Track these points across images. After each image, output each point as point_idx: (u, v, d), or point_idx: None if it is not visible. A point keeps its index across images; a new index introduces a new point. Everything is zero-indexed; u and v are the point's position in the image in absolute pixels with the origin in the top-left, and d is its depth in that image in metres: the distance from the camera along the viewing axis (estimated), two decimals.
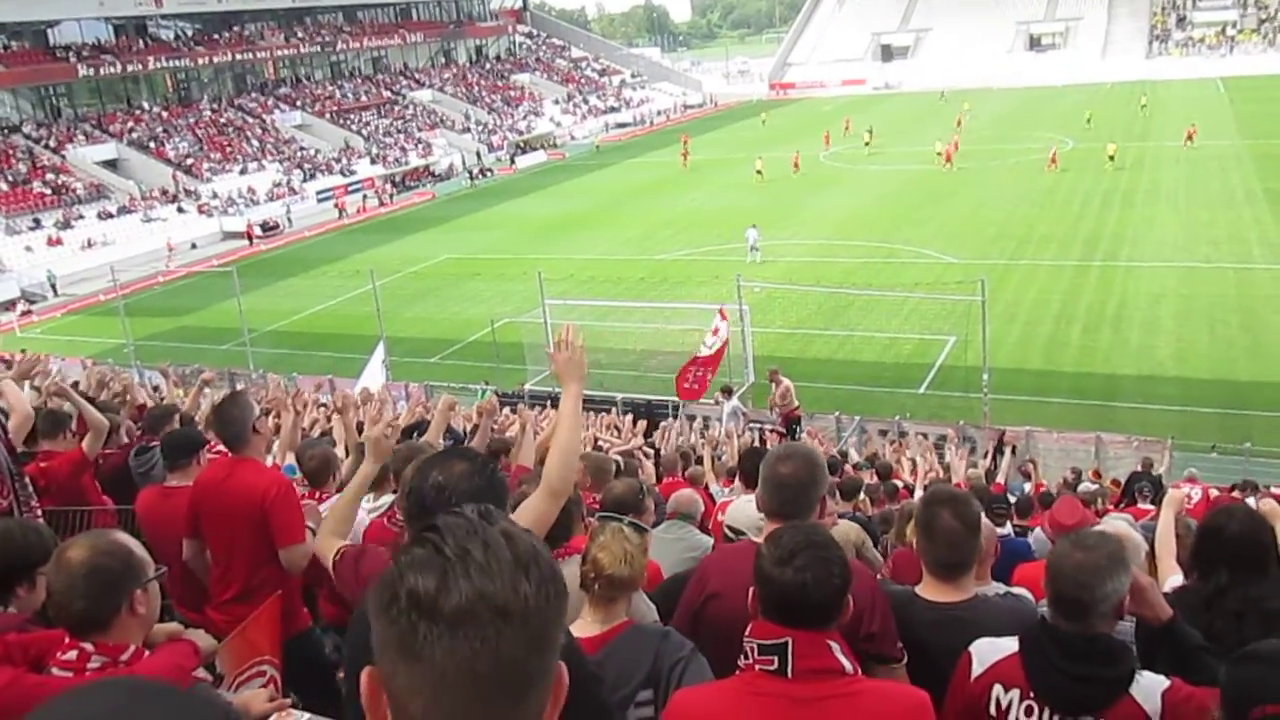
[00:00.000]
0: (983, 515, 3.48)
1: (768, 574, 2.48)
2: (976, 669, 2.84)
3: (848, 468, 12.84)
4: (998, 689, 2.78)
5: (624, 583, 3.04)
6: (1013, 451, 17.95)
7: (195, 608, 4.77)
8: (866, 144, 55.43)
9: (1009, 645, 2.82)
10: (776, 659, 2.39)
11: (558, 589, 1.21)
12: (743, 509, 4.07)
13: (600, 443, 12.20)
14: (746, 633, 2.49)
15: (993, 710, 2.78)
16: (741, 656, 2.47)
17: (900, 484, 12.05)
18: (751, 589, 2.55)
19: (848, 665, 2.42)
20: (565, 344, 3.31)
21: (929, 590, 3.28)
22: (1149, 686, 2.65)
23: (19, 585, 3.15)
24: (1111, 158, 44.88)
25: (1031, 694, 2.73)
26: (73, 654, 2.66)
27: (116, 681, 1.07)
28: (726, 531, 4.21)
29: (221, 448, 5.98)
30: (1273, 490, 13.19)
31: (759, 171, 49.54)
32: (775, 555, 2.49)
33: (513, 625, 1.15)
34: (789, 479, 3.20)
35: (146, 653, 2.76)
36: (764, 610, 2.49)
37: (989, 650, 2.85)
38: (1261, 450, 17.74)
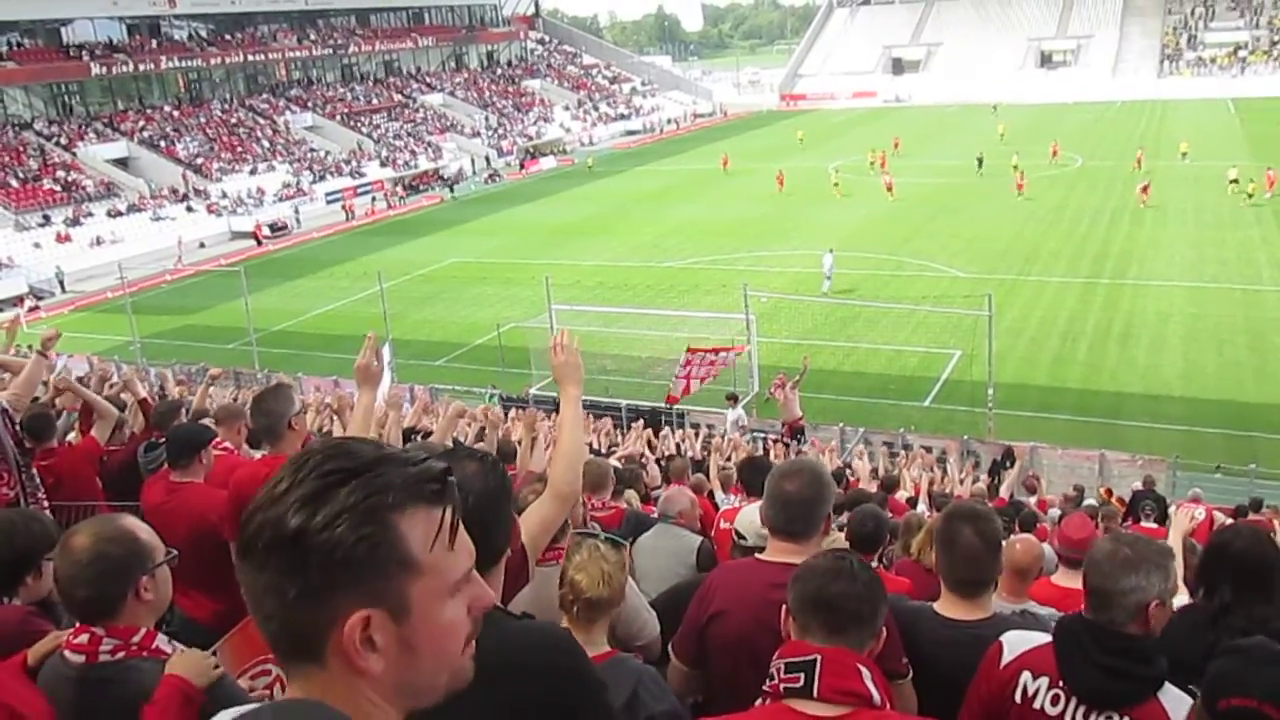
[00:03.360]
0: (1030, 536, 3.43)
1: (808, 568, 2.51)
2: (1007, 656, 2.82)
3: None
4: (1025, 676, 2.76)
5: (604, 604, 2.99)
6: (1014, 465, 17.94)
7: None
8: (871, 163, 53.54)
9: (1041, 637, 2.81)
10: (803, 676, 2.31)
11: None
12: (751, 515, 4.05)
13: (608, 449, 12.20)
14: (776, 654, 2.42)
15: (1018, 697, 2.76)
16: (767, 679, 2.40)
17: (904, 496, 12.05)
18: (785, 607, 2.51)
19: (876, 696, 2.31)
20: (561, 347, 3.32)
21: (947, 607, 3.24)
22: (1178, 699, 2.63)
23: (27, 575, 3.18)
24: (1234, 181, 40.63)
25: (1061, 683, 2.70)
26: (84, 638, 2.68)
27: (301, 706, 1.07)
28: (734, 538, 4.18)
29: (228, 444, 6.05)
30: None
31: (835, 184, 48.31)
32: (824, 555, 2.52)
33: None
34: (794, 496, 3.15)
35: (158, 635, 2.77)
36: (794, 613, 2.46)
37: (1019, 640, 2.85)
38: (1266, 472, 17.68)
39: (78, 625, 2.71)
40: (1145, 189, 40.59)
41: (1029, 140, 56.19)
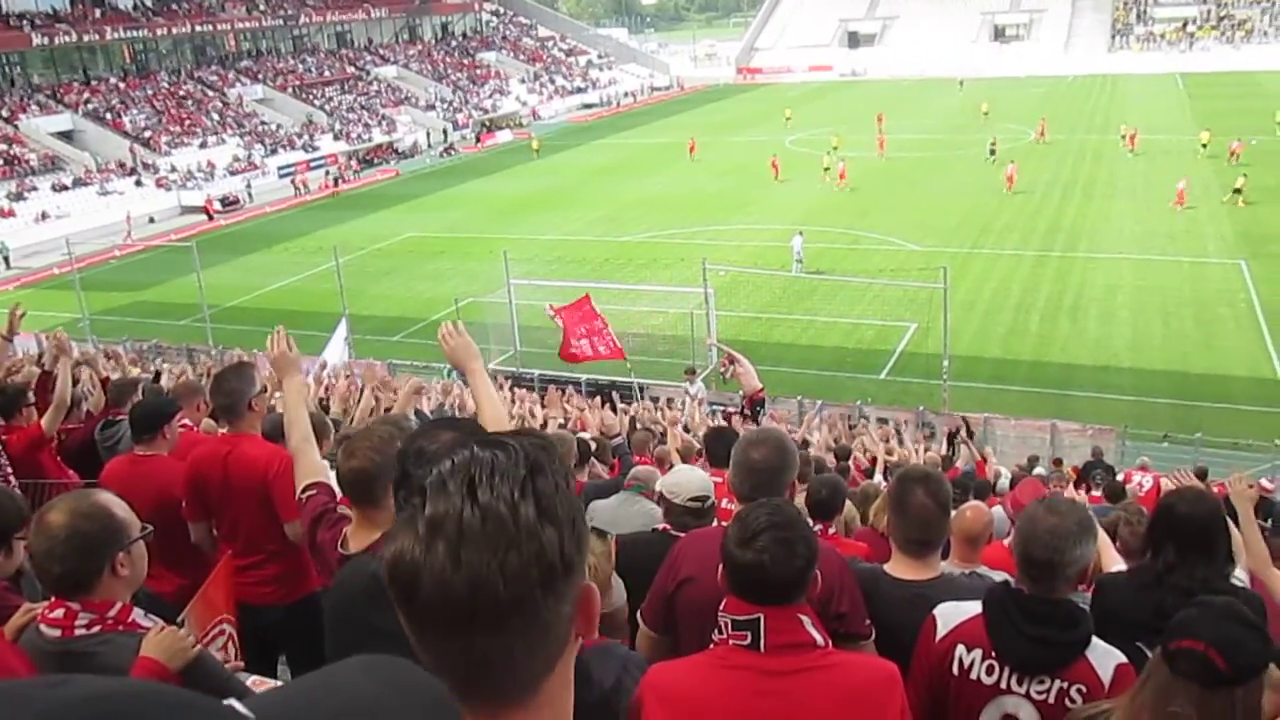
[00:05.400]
0: (980, 503, 3.54)
1: (730, 553, 2.53)
2: (940, 630, 2.94)
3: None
4: (960, 649, 2.88)
5: None
6: (970, 435, 18.21)
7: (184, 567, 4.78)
8: (835, 147, 48.16)
9: (972, 608, 2.92)
10: (749, 634, 2.44)
11: None
12: (677, 477, 4.08)
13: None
14: (720, 608, 2.54)
15: (955, 669, 2.88)
16: (715, 631, 2.52)
17: (854, 468, 12.20)
18: (720, 566, 2.61)
19: (819, 638, 2.48)
20: (449, 335, 3.49)
21: (897, 568, 3.35)
22: (1105, 654, 2.76)
23: None
24: (1205, 145, 43.52)
25: (993, 654, 2.83)
26: (59, 612, 2.69)
27: (374, 662, 1.06)
28: (663, 498, 4.20)
29: (187, 421, 6.01)
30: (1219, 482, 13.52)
31: (826, 169, 44.26)
32: (738, 535, 2.53)
33: None
34: (760, 464, 3.23)
35: (134, 609, 2.78)
36: (730, 588, 2.55)
37: (952, 613, 2.96)
38: (1211, 441, 18.14)
39: (53, 600, 2.71)
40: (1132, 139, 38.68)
41: (1012, 118, 55.72)
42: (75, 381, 7.43)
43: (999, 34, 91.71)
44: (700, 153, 52.87)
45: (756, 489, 3.21)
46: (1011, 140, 48.95)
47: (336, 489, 3.64)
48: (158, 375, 11.93)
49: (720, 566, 2.60)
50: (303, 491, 3.75)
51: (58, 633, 2.67)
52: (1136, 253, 31.09)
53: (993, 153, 44.88)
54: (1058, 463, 16.24)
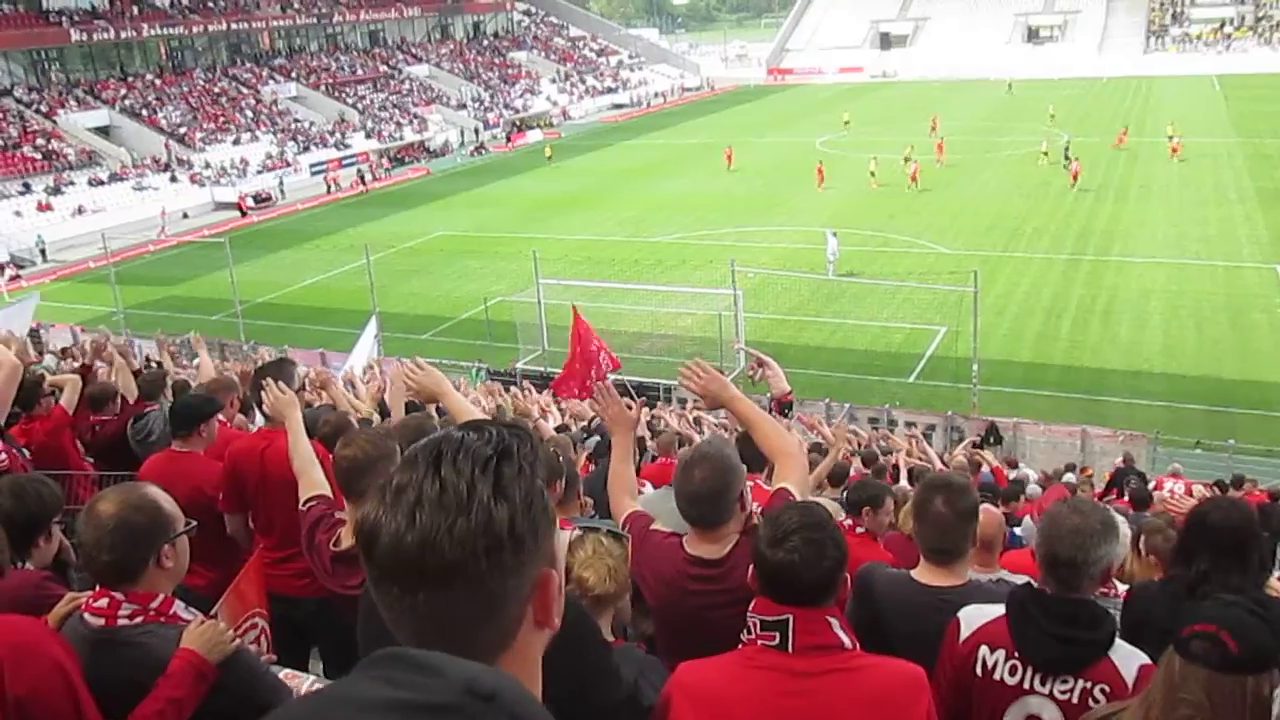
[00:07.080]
0: (990, 505, 3.53)
1: (762, 553, 2.55)
2: (964, 632, 2.96)
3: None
4: (984, 650, 2.89)
5: (610, 599, 3.05)
6: (999, 441, 18.13)
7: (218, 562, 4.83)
8: (907, 159, 44.60)
9: (995, 610, 2.93)
10: (778, 635, 2.47)
11: None
12: (657, 506, 3.97)
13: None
14: (750, 608, 2.56)
15: (979, 671, 2.89)
16: (745, 631, 2.54)
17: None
18: (751, 566, 2.63)
19: (846, 640, 2.50)
20: (413, 371, 3.63)
21: (923, 574, 3.36)
22: (1128, 655, 2.76)
23: (39, 537, 3.24)
24: None
25: (1016, 654, 2.84)
26: (104, 601, 2.75)
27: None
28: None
29: (221, 416, 6.08)
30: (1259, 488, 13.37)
31: (873, 174, 42.94)
32: (769, 536, 2.55)
33: None
34: (701, 488, 3.14)
35: (176, 601, 2.83)
36: (760, 588, 2.56)
37: (976, 615, 2.98)
38: (1245, 448, 17.91)
39: (98, 589, 2.77)
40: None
41: (1081, 123, 54.56)
42: (87, 370, 7.56)
43: (1032, 35, 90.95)
44: (734, 158, 52.50)
45: (703, 515, 3.15)
46: (1053, 141, 48.34)
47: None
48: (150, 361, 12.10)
49: (750, 567, 2.61)
50: (304, 504, 4.04)
51: (101, 621, 2.73)
52: (1170, 257, 30.72)
53: (1067, 157, 43.32)
54: (1072, 467, 16.10)
